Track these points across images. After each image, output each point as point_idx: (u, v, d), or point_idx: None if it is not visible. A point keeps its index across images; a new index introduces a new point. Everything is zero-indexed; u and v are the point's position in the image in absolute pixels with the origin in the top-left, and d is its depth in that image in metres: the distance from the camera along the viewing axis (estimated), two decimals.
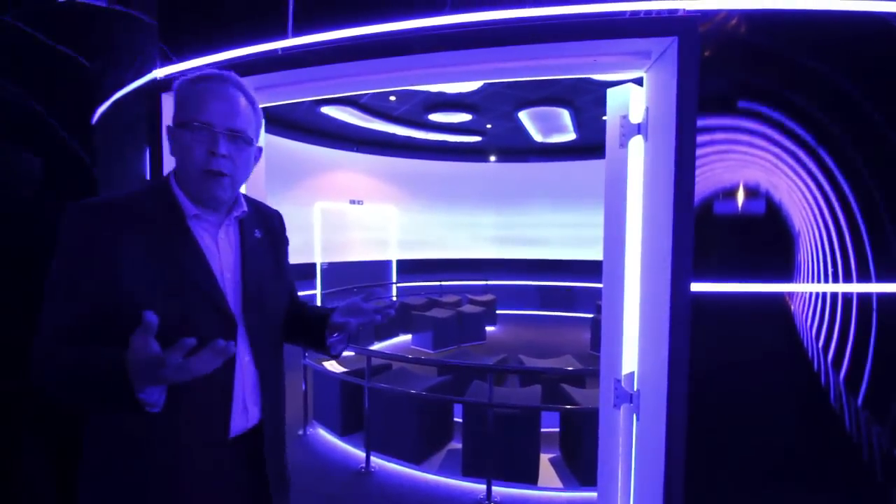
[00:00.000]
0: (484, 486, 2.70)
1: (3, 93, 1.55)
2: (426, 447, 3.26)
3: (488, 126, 7.53)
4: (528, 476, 2.93)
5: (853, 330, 1.14)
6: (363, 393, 3.12)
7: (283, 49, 1.48)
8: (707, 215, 1.16)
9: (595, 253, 7.92)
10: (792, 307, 1.16)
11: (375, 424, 3.15)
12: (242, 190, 1.06)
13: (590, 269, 8.65)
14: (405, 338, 7.16)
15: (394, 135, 7.86)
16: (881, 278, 1.12)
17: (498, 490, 2.73)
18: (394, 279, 9.11)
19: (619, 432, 1.44)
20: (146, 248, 0.84)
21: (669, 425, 1.17)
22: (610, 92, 1.41)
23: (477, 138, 8.22)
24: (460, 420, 3.25)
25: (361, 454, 3.09)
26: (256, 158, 0.98)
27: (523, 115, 6.80)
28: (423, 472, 3.01)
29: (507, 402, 2.99)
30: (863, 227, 1.12)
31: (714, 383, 1.18)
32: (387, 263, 9.12)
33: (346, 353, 1.18)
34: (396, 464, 3.08)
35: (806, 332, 1.16)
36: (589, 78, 4.99)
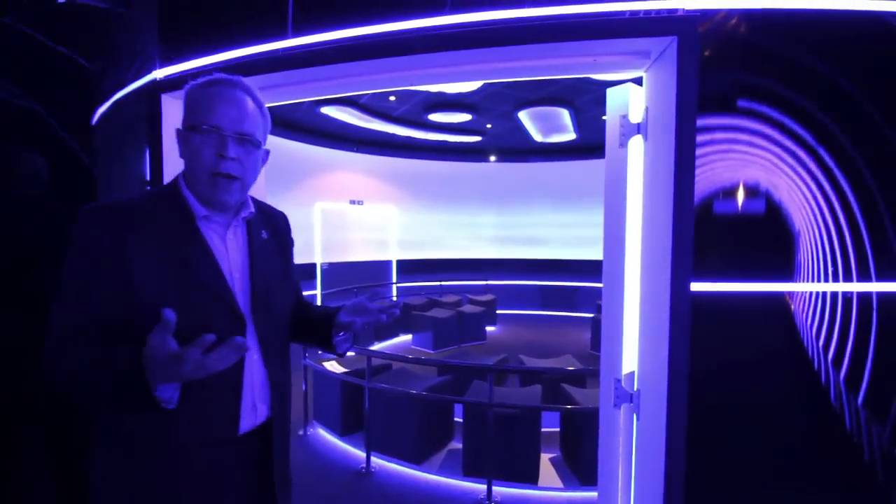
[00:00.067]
0: (484, 486, 2.70)
1: (3, 93, 1.55)
2: (426, 447, 3.26)
3: (488, 126, 7.53)
4: (529, 476, 2.93)
5: (853, 329, 1.14)
6: (363, 393, 3.12)
7: (283, 49, 1.48)
8: (707, 215, 1.16)
9: (595, 253, 7.92)
10: (792, 306, 1.16)
11: (376, 424, 3.15)
12: None
13: (590, 269, 8.65)
14: (405, 338, 7.16)
15: (394, 135, 7.85)
16: (881, 277, 1.12)
17: (498, 490, 2.73)
18: (394, 279, 9.11)
19: (620, 432, 1.44)
20: (157, 249, 0.86)
21: (669, 425, 1.17)
22: (609, 92, 1.41)
23: (477, 138, 8.22)
24: (461, 420, 3.25)
25: (362, 454, 3.09)
26: (264, 161, 1.00)
27: (523, 115, 6.80)
28: (424, 472, 3.01)
29: (507, 402, 2.98)
30: (863, 227, 1.12)
31: (714, 383, 1.18)
32: (387, 263, 9.12)
33: (347, 353, 1.20)
34: (397, 464, 3.08)
35: (806, 332, 1.16)
36: (589, 78, 4.99)
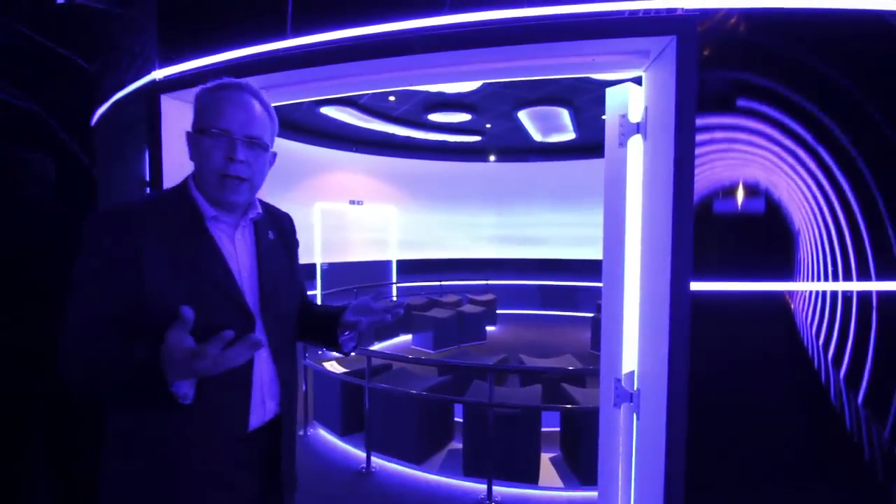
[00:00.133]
0: (485, 486, 2.70)
1: (2, 94, 1.55)
2: (427, 447, 3.26)
3: (488, 126, 7.52)
4: (529, 476, 2.93)
5: (853, 328, 1.14)
6: (363, 393, 3.12)
7: (283, 49, 1.48)
8: (707, 214, 1.16)
9: (595, 252, 7.91)
10: (792, 305, 1.16)
11: (376, 425, 3.15)
12: None
13: (590, 269, 8.65)
14: (405, 338, 7.16)
15: (393, 135, 7.85)
16: (881, 276, 1.12)
17: (499, 490, 2.73)
18: (394, 279, 9.11)
19: (620, 431, 1.44)
20: (168, 249, 0.88)
21: (669, 424, 1.17)
22: (609, 91, 1.41)
23: (476, 138, 8.22)
24: (461, 420, 3.25)
25: (362, 454, 3.08)
26: (271, 163, 1.02)
27: (523, 115, 6.80)
28: (424, 472, 3.01)
29: (507, 402, 2.98)
30: (862, 226, 1.12)
31: (714, 382, 1.18)
32: (387, 264, 9.11)
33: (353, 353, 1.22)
34: (397, 464, 3.08)
35: (806, 331, 1.16)
36: (588, 77, 4.99)
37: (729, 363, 1.18)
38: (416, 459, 3.12)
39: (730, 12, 1.12)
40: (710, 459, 1.19)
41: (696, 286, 1.15)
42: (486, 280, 9.51)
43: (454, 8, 1.31)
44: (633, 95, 1.37)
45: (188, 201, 0.94)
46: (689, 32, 1.13)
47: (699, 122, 1.14)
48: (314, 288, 7.71)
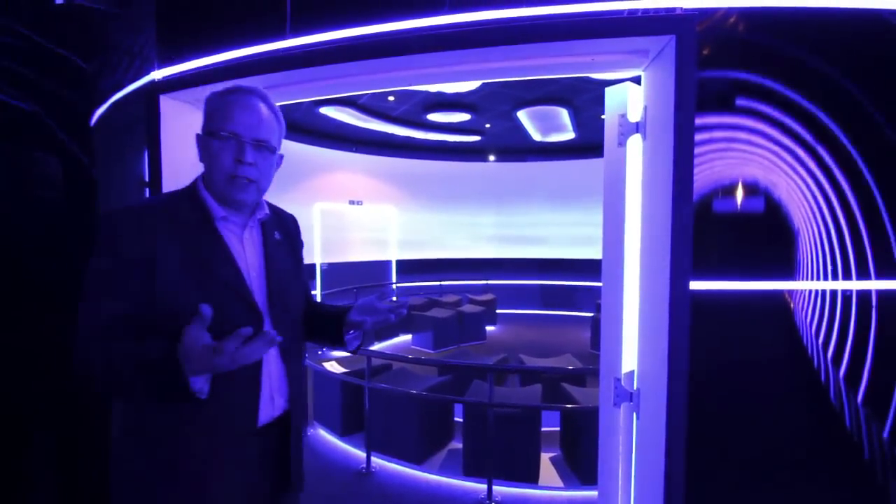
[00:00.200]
0: (485, 486, 2.70)
1: (0, 94, 1.55)
2: (427, 447, 3.26)
3: (487, 126, 7.52)
4: (529, 475, 2.93)
5: (853, 327, 1.14)
6: (363, 393, 3.12)
7: (282, 49, 1.48)
8: (706, 213, 1.16)
9: (595, 252, 7.92)
10: (791, 304, 1.16)
11: (376, 425, 3.14)
12: None
13: (590, 268, 8.64)
14: (405, 338, 7.16)
15: (393, 135, 7.85)
16: (880, 275, 1.12)
17: (499, 489, 2.72)
18: (394, 279, 9.11)
19: (620, 431, 1.44)
20: (179, 249, 0.90)
21: (669, 423, 1.17)
22: (608, 91, 1.41)
23: (476, 138, 8.22)
24: (461, 420, 3.25)
25: (362, 454, 3.08)
26: (278, 165, 1.05)
27: (522, 115, 6.80)
28: (424, 472, 3.01)
29: (507, 402, 2.99)
30: (862, 225, 1.12)
31: (714, 381, 1.18)
32: (387, 264, 9.11)
33: (346, 353, 1.23)
34: (397, 464, 3.08)
35: (806, 330, 1.16)
36: (587, 77, 4.99)
37: (728, 362, 1.18)
38: (417, 459, 3.12)
39: (728, 11, 1.12)
40: (709, 459, 1.19)
41: (695, 285, 1.15)
42: (486, 280, 9.51)
43: (453, 8, 1.31)
44: (632, 95, 1.37)
45: (198, 202, 0.96)
46: (687, 32, 1.13)
47: (698, 121, 1.14)
48: (314, 288, 7.70)
